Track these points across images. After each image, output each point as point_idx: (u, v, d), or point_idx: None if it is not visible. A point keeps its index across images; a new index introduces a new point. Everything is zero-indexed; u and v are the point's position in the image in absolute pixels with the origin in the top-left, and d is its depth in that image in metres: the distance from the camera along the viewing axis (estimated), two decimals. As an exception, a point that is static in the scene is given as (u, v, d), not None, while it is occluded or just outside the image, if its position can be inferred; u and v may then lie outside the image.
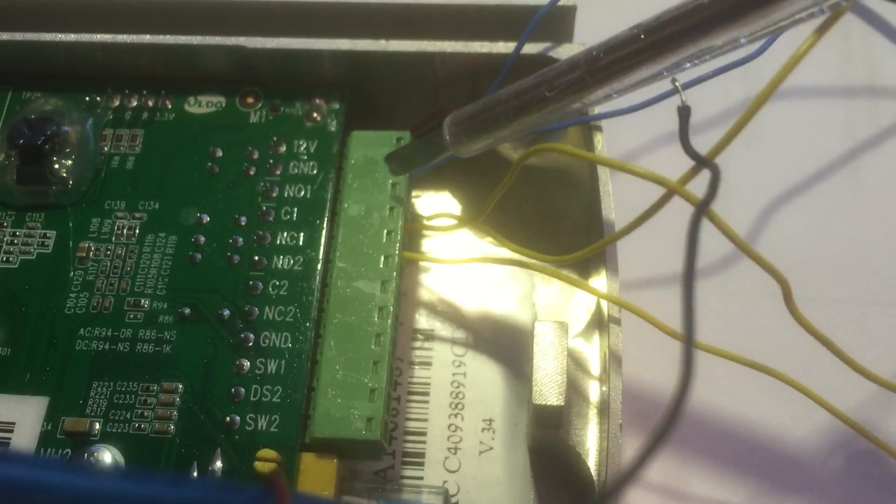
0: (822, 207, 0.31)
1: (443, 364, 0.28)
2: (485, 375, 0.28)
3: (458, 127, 0.24)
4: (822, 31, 0.19)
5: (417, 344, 0.29)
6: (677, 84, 0.20)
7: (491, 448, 0.27)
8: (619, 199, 0.26)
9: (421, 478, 0.27)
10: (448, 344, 0.29)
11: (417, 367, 0.28)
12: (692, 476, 0.27)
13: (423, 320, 0.29)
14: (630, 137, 0.32)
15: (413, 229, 0.28)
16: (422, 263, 0.30)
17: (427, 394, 0.28)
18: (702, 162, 0.19)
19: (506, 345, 0.28)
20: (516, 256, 0.26)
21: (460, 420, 0.28)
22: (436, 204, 0.31)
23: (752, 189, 0.31)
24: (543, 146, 0.21)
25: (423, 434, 0.27)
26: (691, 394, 0.15)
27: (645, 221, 0.22)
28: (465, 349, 0.29)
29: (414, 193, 0.30)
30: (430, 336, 0.29)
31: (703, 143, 0.32)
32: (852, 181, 0.31)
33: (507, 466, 0.27)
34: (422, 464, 0.27)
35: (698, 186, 0.20)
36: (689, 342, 0.15)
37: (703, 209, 0.18)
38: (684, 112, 0.20)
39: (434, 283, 0.30)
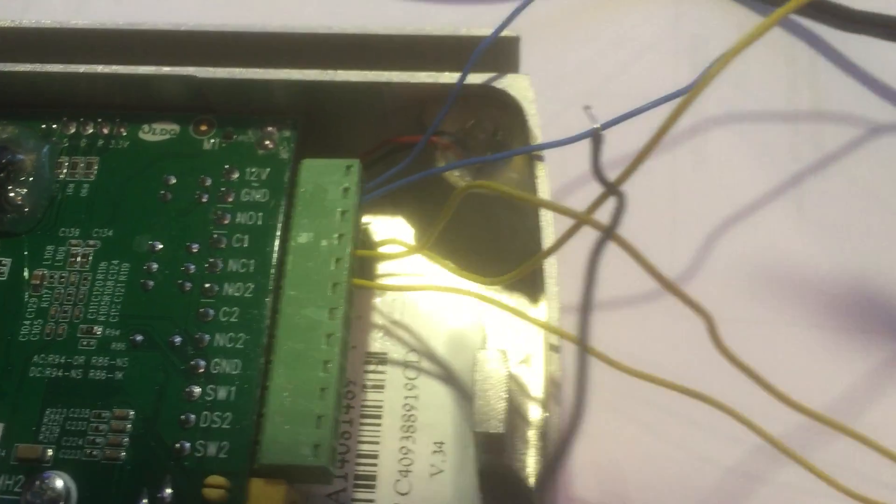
0: (767, 229, 0.32)
1: (395, 387, 0.29)
2: (436, 398, 0.29)
3: None
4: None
5: (371, 367, 0.29)
6: (590, 111, 0.21)
7: (441, 471, 0.27)
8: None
9: (372, 500, 0.27)
10: (401, 367, 0.29)
11: (370, 390, 0.29)
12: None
13: (376, 344, 0.29)
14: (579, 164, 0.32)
15: (365, 255, 0.28)
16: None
17: (379, 417, 0.28)
18: (609, 188, 0.20)
19: (457, 368, 0.29)
20: (460, 285, 0.27)
21: (412, 443, 0.28)
22: (391, 229, 0.31)
23: (700, 211, 0.32)
24: (477, 183, 0.22)
25: (375, 457, 0.28)
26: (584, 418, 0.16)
27: (556, 251, 0.22)
28: (418, 372, 0.29)
29: (368, 219, 0.31)
30: (383, 360, 0.29)
31: (653, 168, 0.33)
32: (796, 204, 0.32)
33: (456, 489, 0.27)
34: (373, 486, 0.27)
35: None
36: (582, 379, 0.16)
37: (607, 235, 0.18)
38: (597, 138, 0.20)
39: (388, 306, 0.30)
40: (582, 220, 0.20)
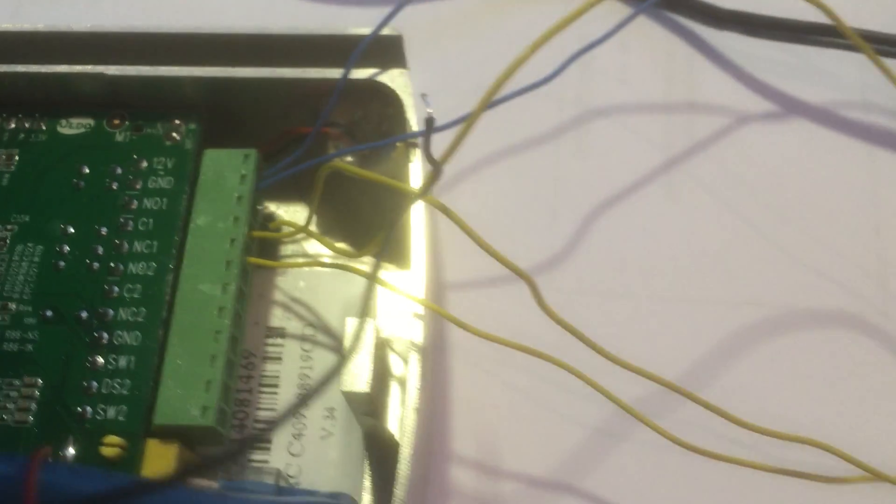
0: (640, 213, 0.34)
1: (292, 358, 0.31)
2: (329, 368, 0.31)
3: None
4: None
5: (270, 341, 0.31)
6: (426, 98, 0.23)
7: (331, 434, 0.30)
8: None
9: (267, 461, 0.30)
10: (298, 340, 0.31)
11: (269, 361, 0.31)
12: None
13: (276, 319, 0.32)
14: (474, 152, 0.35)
15: (264, 237, 0.31)
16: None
17: (277, 386, 0.31)
18: (432, 163, 0.22)
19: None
20: (340, 261, 0.29)
21: (305, 409, 0.30)
22: (293, 214, 0.34)
23: (581, 195, 0.34)
24: (333, 165, 0.24)
25: (272, 422, 0.30)
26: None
27: (394, 226, 0.25)
28: (313, 345, 0.31)
29: (275, 206, 0.33)
30: (282, 333, 0.32)
31: (539, 155, 0.35)
32: (667, 189, 0.35)
33: (343, 450, 0.30)
34: (268, 449, 0.30)
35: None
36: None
37: (418, 198, 0.21)
38: (429, 122, 0.23)
39: (289, 284, 0.32)
40: (399, 188, 0.23)
